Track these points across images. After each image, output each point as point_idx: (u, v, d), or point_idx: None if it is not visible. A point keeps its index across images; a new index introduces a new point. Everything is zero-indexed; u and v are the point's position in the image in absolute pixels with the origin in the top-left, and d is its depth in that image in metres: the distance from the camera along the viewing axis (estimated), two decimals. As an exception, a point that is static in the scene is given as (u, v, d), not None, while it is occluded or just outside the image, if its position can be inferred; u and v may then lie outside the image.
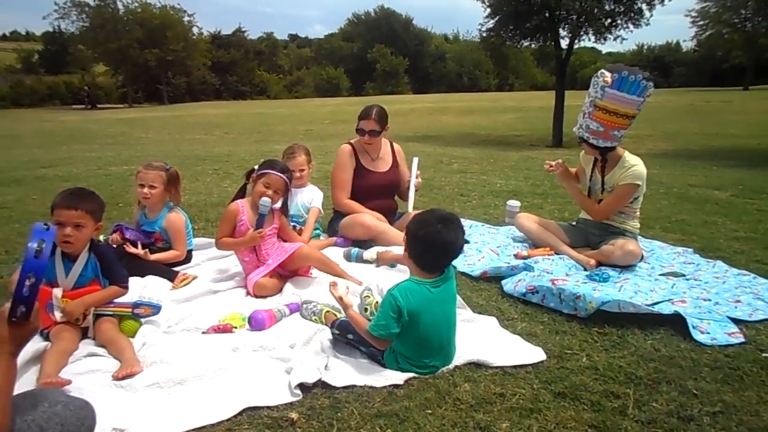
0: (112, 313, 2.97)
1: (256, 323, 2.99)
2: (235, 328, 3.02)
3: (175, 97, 60.14)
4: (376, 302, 3.22)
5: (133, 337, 2.88)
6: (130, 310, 3.02)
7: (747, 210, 5.85)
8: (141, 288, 3.51)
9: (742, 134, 14.81)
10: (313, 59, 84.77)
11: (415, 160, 4.70)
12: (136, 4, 58.45)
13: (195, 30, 64.98)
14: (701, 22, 58.22)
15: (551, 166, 4.34)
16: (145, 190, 3.95)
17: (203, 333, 2.98)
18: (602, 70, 3.97)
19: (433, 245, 2.53)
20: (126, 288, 3.06)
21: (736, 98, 33.74)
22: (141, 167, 4.03)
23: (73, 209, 2.83)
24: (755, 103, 28.60)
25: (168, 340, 2.88)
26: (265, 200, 3.57)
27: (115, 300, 3.02)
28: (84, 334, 2.87)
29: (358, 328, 2.63)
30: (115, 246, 3.79)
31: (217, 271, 3.91)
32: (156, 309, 3.11)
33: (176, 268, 3.91)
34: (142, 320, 3.04)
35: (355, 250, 4.05)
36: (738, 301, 3.30)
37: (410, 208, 4.53)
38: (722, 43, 60.04)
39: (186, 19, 62.35)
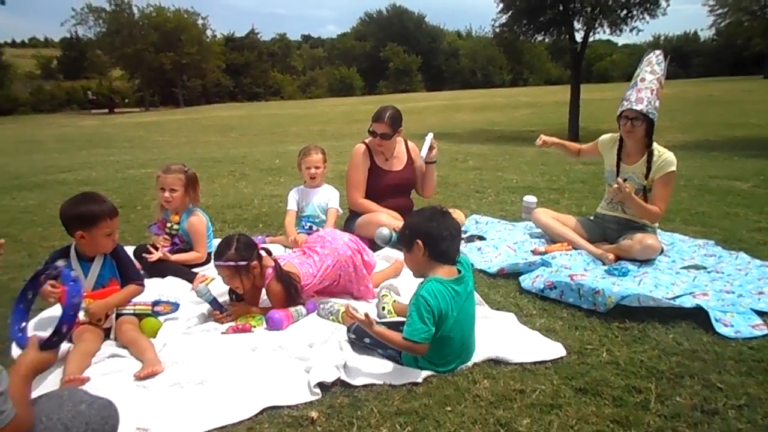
0: (132, 311, 3.03)
1: (273, 323, 3.01)
2: (254, 327, 3.04)
3: (191, 99, 60.74)
4: (394, 301, 3.24)
5: (153, 337, 2.92)
6: (150, 308, 3.08)
7: (769, 201, 5.76)
8: (161, 288, 3.56)
9: (763, 123, 14.58)
10: (326, 59, 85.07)
11: (429, 134, 4.66)
12: (151, 9, 59.07)
13: (209, 33, 65.70)
14: (720, 11, 57.35)
15: (542, 143, 4.53)
16: (166, 194, 4.00)
17: (222, 333, 3.00)
18: (658, 51, 4.04)
19: (446, 232, 2.58)
20: (143, 285, 3.11)
21: (757, 87, 33.25)
22: (160, 171, 4.07)
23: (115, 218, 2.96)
24: (776, 92, 28.14)
25: (188, 341, 2.91)
26: (201, 288, 3.24)
27: (135, 299, 3.06)
28: (106, 335, 2.92)
29: (390, 342, 2.52)
30: (149, 249, 3.86)
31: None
32: (175, 306, 3.16)
33: (195, 269, 3.95)
34: (162, 320, 3.08)
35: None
36: (761, 293, 3.25)
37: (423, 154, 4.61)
38: (741, 32, 58.93)
39: (200, 22, 62.97)
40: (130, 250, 3.97)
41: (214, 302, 3.22)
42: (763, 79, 46.15)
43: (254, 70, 71.89)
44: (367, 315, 2.53)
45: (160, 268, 3.81)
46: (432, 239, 2.58)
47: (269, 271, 3.17)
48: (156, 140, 18.30)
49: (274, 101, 60.89)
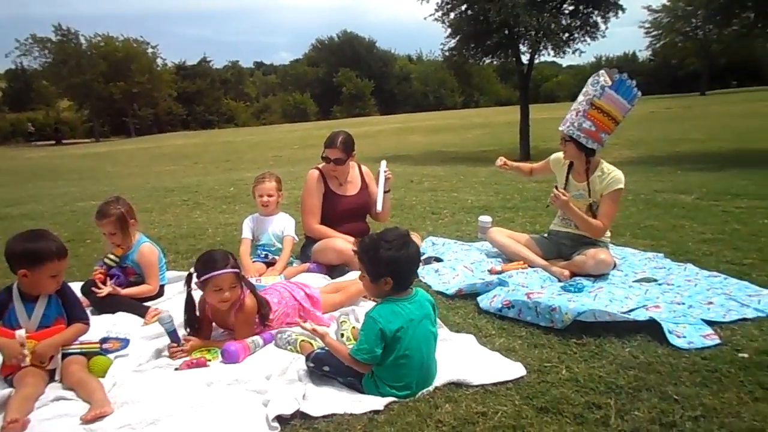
0: (79, 350, 2.88)
1: (228, 356, 2.90)
2: (209, 361, 2.93)
3: (142, 129, 59.71)
4: (353, 327, 3.18)
5: (102, 377, 2.77)
6: (98, 345, 2.94)
7: (713, 212, 5.95)
8: (111, 325, 3.42)
9: (704, 138, 15.16)
10: (279, 85, 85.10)
11: (383, 162, 4.66)
12: (99, 38, 58.11)
13: (159, 61, 64.95)
14: (655, 33, 60.19)
15: (502, 164, 4.53)
16: (107, 238, 3.97)
17: (176, 369, 2.88)
18: (602, 71, 4.04)
19: (409, 260, 2.58)
20: (88, 324, 2.97)
21: (695, 103, 34.69)
22: (95, 218, 3.97)
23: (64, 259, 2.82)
24: (713, 107, 29.40)
25: (139, 379, 2.78)
26: (164, 317, 3.09)
27: (82, 338, 2.92)
28: (51, 378, 2.76)
29: (338, 354, 2.57)
30: (97, 284, 3.74)
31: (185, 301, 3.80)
32: (124, 343, 3.04)
33: (147, 303, 3.81)
34: (112, 357, 2.94)
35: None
36: (711, 303, 3.33)
37: (379, 206, 4.53)
38: (676, 52, 62.13)
39: (150, 50, 62.30)
40: (78, 285, 3.85)
41: (173, 333, 3.08)
42: (699, 96, 48.21)
43: (207, 97, 71.36)
44: (314, 329, 2.63)
45: (110, 303, 3.67)
46: (400, 275, 2.58)
47: (245, 292, 3.14)
48: (107, 171, 17.83)
49: (228, 128, 60.40)
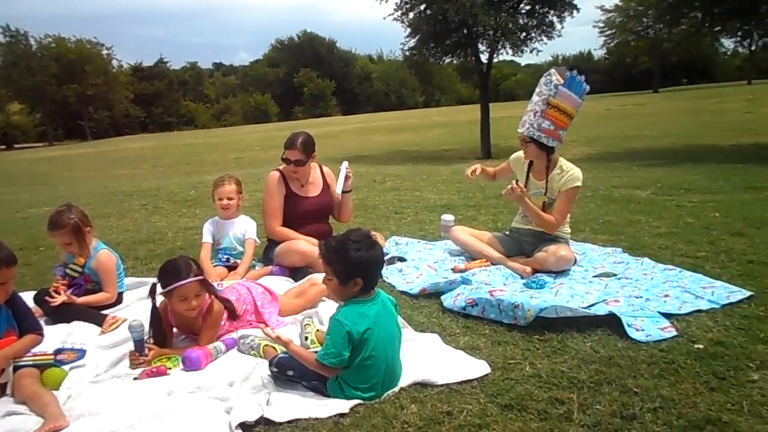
0: (32, 362, 2.76)
1: (190, 363, 2.83)
2: (170, 369, 2.86)
3: (99, 132, 58.28)
4: (317, 330, 3.15)
5: (57, 389, 2.67)
6: (52, 357, 2.84)
7: (667, 207, 6.10)
8: (66, 335, 3.32)
9: (657, 135, 15.55)
10: (239, 87, 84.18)
11: (345, 163, 4.64)
12: (50, 39, 56.43)
13: (114, 63, 63.49)
14: (608, 32, 61.81)
15: (470, 174, 4.43)
16: (62, 247, 3.85)
17: (135, 379, 2.80)
18: (553, 69, 4.08)
19: (377, 260, 2.60)
20: (42, 335, 2.86)
21: (648, 101, 35.58)
22: (48, 229, 3.80)
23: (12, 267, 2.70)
24: (666, 104, 30.22)
25: (97, 390, 2.69)
26: (135, 324, 2.98)
27: (35, 349, 2.81)
28: (2, 392, 2.65)
29: (304, 361, 2.53)
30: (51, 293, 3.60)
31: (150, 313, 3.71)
32: (80, 353, 2.95)
33: (105, 311, 3.70)
34: (67, 369, 2.84)
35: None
36: (667, 296, 3.40)
37: (339, 189, 4.54)
38: (629, 50, 64.02)
39: (104, 52, 60.87)
40: (30, 294, 3.72)
41: (140, 343, 2.98)
42: (652, 94, 49.51)
43: (165, 99, 70.11)
44: (278, 337, 2.60)
45: (65, 313, 3.54)
46: (370, 275, 2.57)
47: (210, 299, 3.11)
48: (62, 176, 17.31)
49: (187, 130, 59.43)
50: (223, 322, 3.19)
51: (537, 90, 4.10)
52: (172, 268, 3.01)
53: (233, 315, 3.21)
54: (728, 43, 49.82)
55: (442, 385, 2.55)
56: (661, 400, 2.33)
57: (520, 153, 4.38)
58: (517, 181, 4.16)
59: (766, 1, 10.75)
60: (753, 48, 40.98)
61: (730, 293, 3.37)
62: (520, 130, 4.13)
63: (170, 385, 2.67)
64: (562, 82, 3.99)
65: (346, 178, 4.57)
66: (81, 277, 3.84)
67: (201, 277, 3.03)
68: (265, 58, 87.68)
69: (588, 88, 4.09)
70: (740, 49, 49.31)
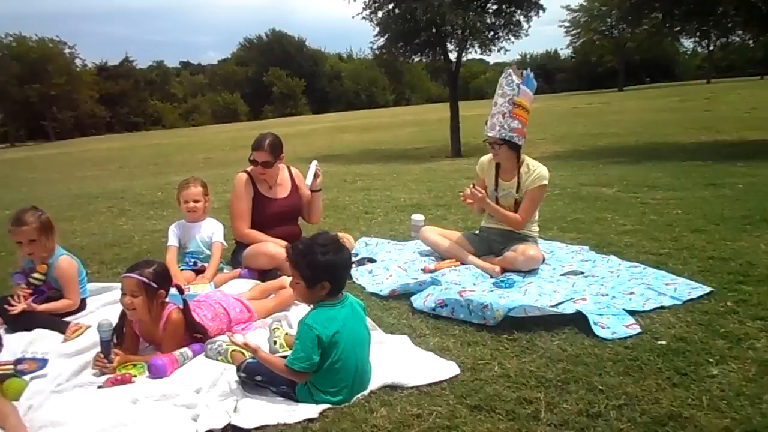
0: (-8, 374, 2.68)
1: (156, 370, 2.78)
2: (135, 377, 2.80)
3: (63, 132, 56.97)
4: (286, 334, 3.13)
5: (17, 400, 2.59)
6: (11, 367, 2.76)
7: (632, 204, 6.21)
8: (27, 343, 3.22)
9: (622, 132, 15.81)
10: (208, 86, 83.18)
11: (314, 162, 4.60)
12: (11, 39, 54.96)
13: (78, 62, 62.10)
14: (574, 31, 62.86)
15: (465, 197, 4.23)
16: (25, 247, 3.64)
17: (99, 387, 2.73)
18: (509, 69, 4.14)
19: (345, 264, 2.60)
20: (1, 345, 2.77)
21: (613, 99, 36.19)
22: (10, 224, 3.64)
23: None
24: (630, 103, 30.74)
25: (59, 400, 2.62)
26: (104, 324, 2.95)
27: (-6, 360, 2.74)
28: (-41, 406, 2.56)
29: (274, 367, 2.50)
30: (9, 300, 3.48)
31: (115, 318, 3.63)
32: (42, 363, 2.87)
33: (68, 318, 3.61)
34: (27, 378, 2.76)
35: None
36: (632, 293, 3.46)
37: (308, 180, 4.49)
38: (595, 50, 65.19)
39: (67, 51, 59.47)
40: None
41: (107, 344, 2.92)
42: (617, 92, 50.44)
43: (131, 99, 68.90)
44: (246, 344, 2.57)
45: (26, 321, 3.43)
46: (337, 278, 2.56)
47: (170, 306, 3.02)
48: (24, 178, 16.84)
49: (155, 131, 58.49)
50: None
51: (499, 92, 4.14)
52: (135, 264, 3.05)
53: (191, 327, 3.06)
54: (688, 43, 51.21)
55: (411, 388, 2.55)
56: (626, 397, 2.36)
57: (484, 158, 4.42)
58: (473, 185, 4.20)
59: (722, 3, 11.00)
60: (711, 48, 42.02)
61: (692, 289, 3.45)
62: (490, 134, 4.13)
63: (135, 393, 2.61)
64: (521, 80, 4.06)
65: (315, 176, 4.53)
66: (44, 285, 3.73)
67: (143, 279, 2.93)
68: (234, 56, 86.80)
69: (536, 83, 4.19)
70: (699, 49, 50.60)
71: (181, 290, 3.12)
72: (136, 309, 2.93)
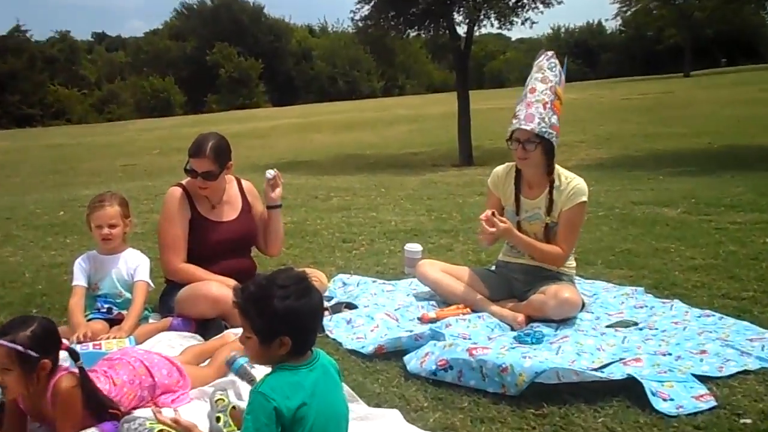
0: None
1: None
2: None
3: (-74, 127, 56.68)
4: (234, 408, 3.10)
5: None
6: None
7: (703, 230, 6.28)
8: None
9: (689, 132, 16.01)
10: (130, 66, 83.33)
11: (270, 171, 4.63)
12: None
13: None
14: (624, -3, 63.47)
15: (483, 231, 4.13)
16: None
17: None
18: (551, 52, 4.26)
19: (313, 312, 2.54)
20: None
21: (677, 87, 36.65)
22: None
23: None
24: (700, 92, 31.15)
25: None
26: None
27: None
28: None
29: None
30: None
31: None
32: None
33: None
34: None
35: (240, 360, 3.14)
36: (704, 352, 3.47)
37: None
38: (651, 21, 65.72)
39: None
40: None
41: None
42: (683, 78, 50.98)
43: (24, 82, 68.66)
44: (177, 421, 2.61)
45: None
46: (301, 332, 2.51)
47: (61, 371, 2.94)
48: None
49: (57, 126, 58.37)
50: None
51: (538, 75, 4.17)
52: (11, 321, 2.98)
53: (101, 414, 2.99)
54: (778, 13, 51.77)
55: (404, 482, 2.54)
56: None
57: (498, 169, 4.43)
58: (493, 212, 4.07)
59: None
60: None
61: (786, 348, 3.47)
62: (527, 126, 4.04)
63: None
64: (562, 66, 4.13)
65: (274, 185, 4.55)
66: None
67: (14, 347, 2.79)
68: (166, 27, 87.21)
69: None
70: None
71: (75, 356, 3.03)
72: (8, 387, 2.86)
